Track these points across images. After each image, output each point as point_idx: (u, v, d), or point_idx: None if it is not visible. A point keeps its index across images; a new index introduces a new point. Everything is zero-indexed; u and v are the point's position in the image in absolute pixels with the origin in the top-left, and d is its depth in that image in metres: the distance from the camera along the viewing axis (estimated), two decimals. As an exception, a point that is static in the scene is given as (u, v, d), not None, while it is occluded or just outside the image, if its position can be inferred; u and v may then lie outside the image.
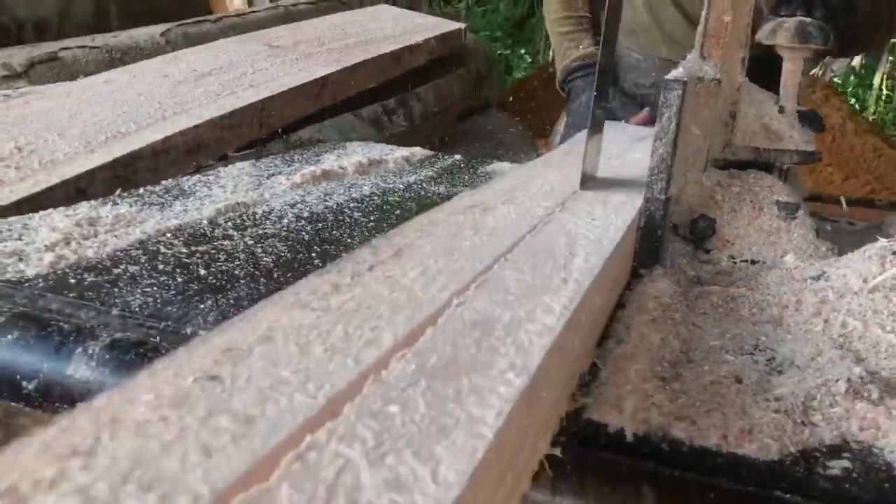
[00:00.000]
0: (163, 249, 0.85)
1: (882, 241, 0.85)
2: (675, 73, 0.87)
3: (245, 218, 0.99)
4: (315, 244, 0.91)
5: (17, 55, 1.80)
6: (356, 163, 1.34)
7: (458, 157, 1.50)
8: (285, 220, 0.99)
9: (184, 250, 0.85)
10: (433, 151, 1.56)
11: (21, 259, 0.78)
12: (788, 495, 0.53)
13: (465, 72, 2.42)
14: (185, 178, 1.18)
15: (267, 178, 1.23)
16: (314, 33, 2.10)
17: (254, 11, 2.54)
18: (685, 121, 0.93)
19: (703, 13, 1.00)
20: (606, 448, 0.56)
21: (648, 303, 0.78)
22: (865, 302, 0.79)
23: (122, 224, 0.92)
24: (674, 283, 0.83)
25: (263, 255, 0.86)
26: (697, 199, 1.00)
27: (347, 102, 1.88)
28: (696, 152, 1.00)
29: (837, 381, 0.65)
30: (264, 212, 1.02)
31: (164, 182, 1.15)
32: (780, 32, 1.01)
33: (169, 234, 0.90)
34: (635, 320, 0.75)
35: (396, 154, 1.49)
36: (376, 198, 1.15)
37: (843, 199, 1.68)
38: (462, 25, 2.60)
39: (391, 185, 1.24)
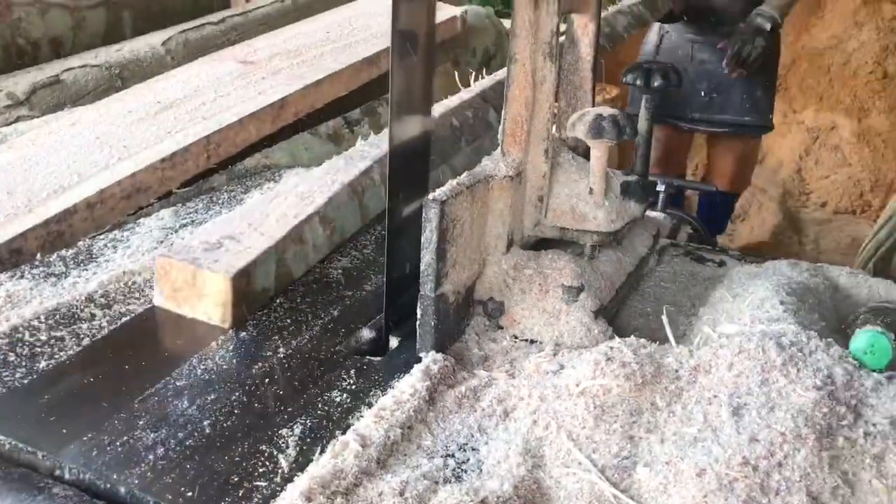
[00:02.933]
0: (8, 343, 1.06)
1: (605, 345, 0.96)
2: (435, 194, 0.98)
3: (108, 297, 1.19)
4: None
5: (21, 82, 2.03)
6: (268, 206, 1.50)
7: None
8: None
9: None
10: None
11: None
12: None
13: (453, 65, 2.50)
14: (102, 237, 1.38)
15: (178, 230, 1.42)
16: (294, 42, 2.24)
17: (258, 7, 2.68)
18: (473, 217, 1.05)
19: (503, 112, 1.10)
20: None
21: (387, 400, 0.93)
22: (571, 406, 0.91)
23: (7, 306, 1.13)
24: (426, 375, 0.97)
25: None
26: (496, 280, 1.12)
27: (311, 115, 2.03)
28: (496, 238, 1.12)
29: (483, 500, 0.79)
30: (129, 285, 1.21)
31: (80, 243, 1.35)
32: (579, 125, 1.09)
33: (36, 321, 1.10)
34: (361, 421, 0.90)
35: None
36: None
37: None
38: (458, 12, 2.67)
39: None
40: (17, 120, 1.94)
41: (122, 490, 0.82)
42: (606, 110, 1.10)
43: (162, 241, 1.36)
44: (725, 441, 0.82)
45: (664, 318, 1.08)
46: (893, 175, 4.66)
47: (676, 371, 0.93)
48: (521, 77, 1.08)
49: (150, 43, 2.36)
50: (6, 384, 0.97)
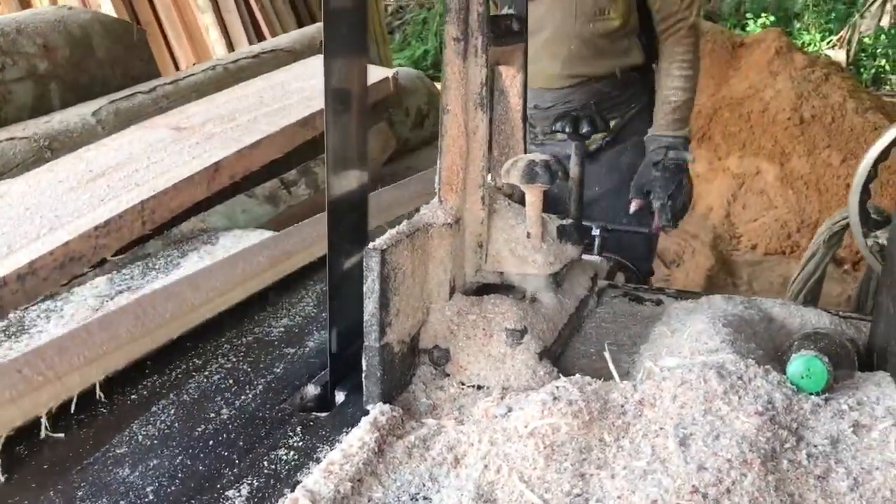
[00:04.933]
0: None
1: (551, 385, 0.96)
2: (375, 243, 0.99)
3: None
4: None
5: (-54, 157, 1.99)
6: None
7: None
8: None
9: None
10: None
11: None
12: None
13: (385, 126, 2.54)
14: (34, 308, 1.34)
15: (114, 297, 1.39)
16: (227, 108, 2.25)
17: (190, 75, 2.69)
18: (415, 265, 1.06)
19: (437, 163, 1.12)
20: None
21: (335, 455, 0.92)
22: (521, 448, 0.91)
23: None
24: (374, 427, 0.96)
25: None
26: (441, 327, 1.12)
27: (248, 178, 2.03)
28: (438, 285, 1.12)
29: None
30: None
31: (11, 315, 1.31)
32: (513, 171, 1.12)
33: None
34: (310, 477, 0.88)
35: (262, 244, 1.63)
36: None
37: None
38: (391, 73, 2.72)
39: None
40: (-58, 195, 1.89)
41: None
42: (539, 156, 1.13)
43: (97, 309, 1.33)
44: (674, 471, 0.83)
45: (607, 355, 1.09)
46: (817, 215, 4.83)
47: (622, 406, 0.94)
48: (455, 127, 1.10)
49: (79, 113, 2.34)
50: (-66, 463, 0.93)
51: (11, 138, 2.12)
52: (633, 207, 2.03)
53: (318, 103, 2.33)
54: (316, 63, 2.76)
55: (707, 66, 4.93)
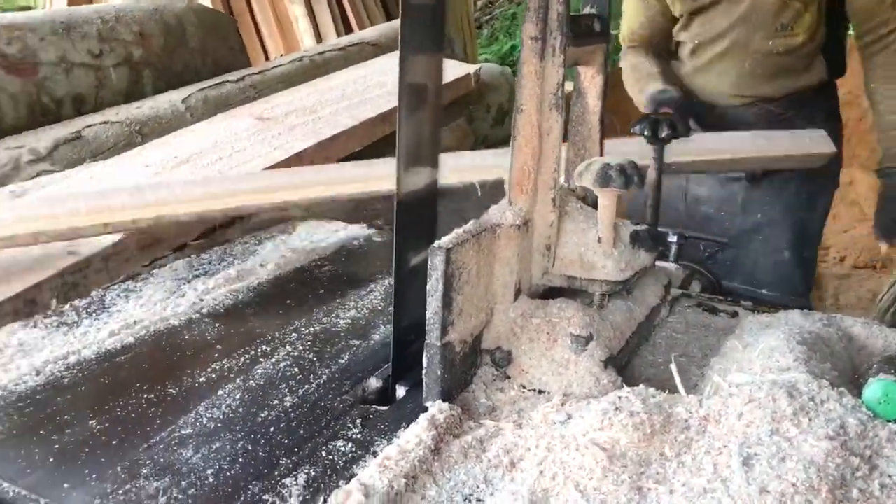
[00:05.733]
0: (34, 385, 1.06)
1: (613, 395, 0.94)
2: (441, 241, 0.99)
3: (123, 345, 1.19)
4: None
5: (44, 138, 2.08)
6: (280, 256, 1.52)
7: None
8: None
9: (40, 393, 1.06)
10: (376, 230, 1.72)
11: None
12: None
13: (464, 123, 2.54)
14: (115, 287, 1.39)
15: (190, 280, 1.43)
16: (310, 100, 2.29)
17: (278, 66, 2.74)
18: (480, 265, 1.05)
19: (509, 163, 1.11)
20: None
21: (392, 450, 0.92)
22: (578, 457, 0.89)
23: (19, 354, 1.14)
24: (432, 425, 0.96)
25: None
26: (504, 329, 1.11)
27: (327, 171, 2.06)
28: (503, 286, 1.11)
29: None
30: (146, 331, 1.22)
31: (94, 293, 1.36)
32: (586, 174, 1.10)
33: (51, 367, 1.11)
34: (365, 470, 0.89)
35: (337, 237, 1.65)
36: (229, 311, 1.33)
37: None
38: (473, 70, 2.72)
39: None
40: (39, 174, 1.98)
41: None
42: (614, 159, 1.11)
43: (174, 292, 1.37)
44: (735, 492, 0.80)
45: (673, 367, 1.06)
46: (913, 229, 4.61)
47: (686, 421, 0.92)
48: (528, 127, 1.09)
49: (170, 100, 2.42)
50: (13, 430, 0.97)
51: (106, 122, 2.21)
52: (883, 248, 1.97)
53: (399, 98, 2.34)
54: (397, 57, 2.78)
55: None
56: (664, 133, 1.23)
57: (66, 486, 0.88)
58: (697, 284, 1.60)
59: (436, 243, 0.98)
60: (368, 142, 2.16)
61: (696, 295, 1.46)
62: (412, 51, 1.02)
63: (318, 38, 4.25)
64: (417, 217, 1.12)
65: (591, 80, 1.24)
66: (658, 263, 1.39)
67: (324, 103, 2.23)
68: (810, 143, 1.80)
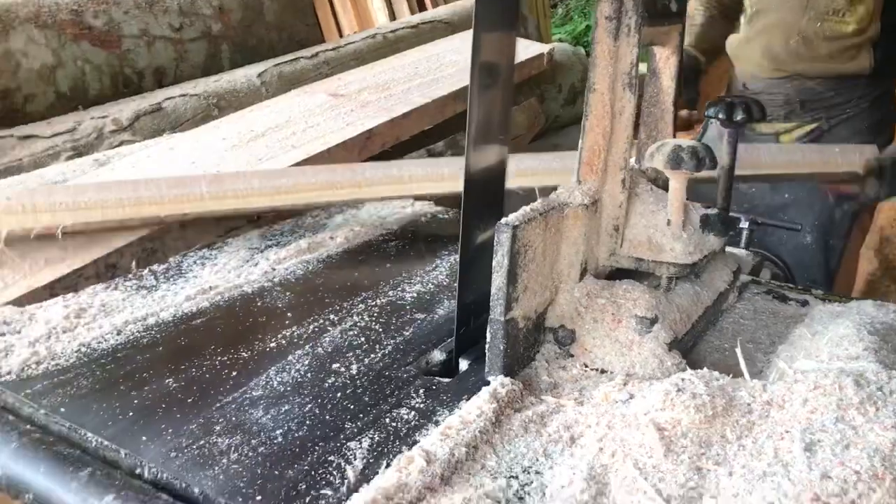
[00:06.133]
0: (115, 343, 1.12)
1: (676, 376, 0.95)
2: (508, 218, 1.00)
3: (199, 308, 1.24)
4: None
5: (126, 109, 2.16)
6: (349, 230, 1.55)
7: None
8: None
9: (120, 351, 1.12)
10: (443, 208, 1.74)
11: (7, 354, 1.07)
12: None
13: (535, 102, 2.53)
14: (191, 254, 1.44)
15: (263, 250, 1.47)
16: (383, 77, 2.31)
17: (350, 42, 2.78)
18: (546, 244, 1.06)
19: (580, 142, 1.11)
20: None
21: (454, 420, 0.94)
22: (638, 435, 0.90)
23: (102, 314, 1.20)
24: (493, 398, 0.98)
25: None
26: (568, 308, 1.12)
27: (397, 147, 2.08)
28: (569, 266, 1.12)
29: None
30: (220, 297, 1.27)
31: (171, 259, 1.42)
32: (657, 156, 1.09)
33: (130, 327, 1.16)
34: (427, 438, 0.91)
35: (404, 212, 1.68)
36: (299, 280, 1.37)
37: None
38: (546, 49, 2.70)
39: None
40: (121, 144, 2.06)
41: (196, 491, 0.85)
42: (686, 141, 1.10)
43: (248, 261, 1.41)
44: (796, 477, 0.80)
45: (738, 352, 1.06)
46: None
47: (749, 405, 0.92)
48: (599, 107, 1.09)
49: (246, 74, 2.47)
50: (95, 385, 1.03)
51: (184, 94, 2.27)
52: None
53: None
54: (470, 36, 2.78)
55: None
56: (739, 117, 1.21)
57: (143, 438, 0.92)
58: (767, 272, 1.58)
59: (503, 220, 0.99)
60: (439, 119, 2.18)
61: (767, 282, 1.44)
62: (486, 29, 1.03)
63: (392, 16, 4.27)
64: (485, 194, 1.13)
65: (665, 61, 1.23)
66: (728, 249, 1.37)
67: (397, 81, 2.25)
68: (859, 158, 1.76)
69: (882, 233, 4.49)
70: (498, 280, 1.00)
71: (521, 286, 1.03)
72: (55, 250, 1.42)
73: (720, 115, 1.24)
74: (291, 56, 2.60)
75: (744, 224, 1.61)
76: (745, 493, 0.81)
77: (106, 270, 1.42)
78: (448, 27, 3.04)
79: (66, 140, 2.00)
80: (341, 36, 3.09)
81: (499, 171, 1.15)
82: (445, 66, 2.39)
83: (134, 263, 1.41)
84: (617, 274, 1.18)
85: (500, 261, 1.00)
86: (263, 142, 1.85)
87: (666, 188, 1.17)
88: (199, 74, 2.56)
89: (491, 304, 1.02)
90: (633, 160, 1.15)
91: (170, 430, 0.94)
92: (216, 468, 0.88)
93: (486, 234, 1.13)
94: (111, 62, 2.34)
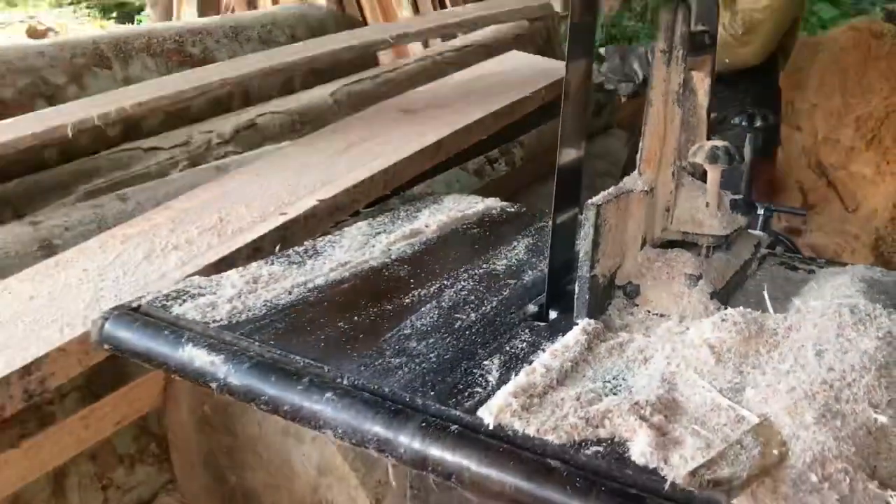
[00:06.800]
0: (291, 300, 1.48)
1: (720, 313, 1.30)
2: (593, 199, 1.35)
3: (341, 274, 1.60)
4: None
5: (226, 125, 2.53)
6: (439, 220, 1.91)
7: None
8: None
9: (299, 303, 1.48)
10: (508, 203, 2.10)
11: (213, 308, 1.43)
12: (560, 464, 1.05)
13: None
14: (320, 238, 1.80)
15: (375, 235, 1.83)
16: (444, 95, 2.68)
17: (406, 65, 3.15)
18: (617, 220, 1.42)
19: (641, 143, 1.47)
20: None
21: (557, 346, 1.30)
22: (695, 352, 1.25)
23: (272, 280, 1.55)
24: (584, 332, 1.33)
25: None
26: (633, 269, 1.47)
27: (460, 155, 2.45)
28: (633, 238, 1.48)
29: (636, 402, 1.14)
30: (355, 269, 1.62)
31: (305, 242, 1.78)
32: (699, 153, 1.45)
33: (297, 290, 1.52)
34: (542, 356, 1.26)
35: (478, 207, 2.04)
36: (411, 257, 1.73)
37: None
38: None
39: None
40: (226, 155, 2.42)
41: (386, 390, 1.20)
42: (720, 143, 1.46)
43: (366, 243, 1.77)
44: (810, 371, 1.16)
45: (765, 294, 1.41)
46: None
47: (774, 329, 1.27)
48: (656, 117, 1.45)
49: (320, 94, 2.84)
50: (288, 328, 1.38)
51: (273, 112, 2.64)
52: None
53: (517, 93, 2.72)
54: (511, 57, 3.16)
55: (884, 68, 4.96)
56: (758, 123, 1.57)
57: (336, 359, 1.28)
58: (780, 248, 1.94)
59: (589, 201, 1.35)
60: (493, 131, 2.54)
61: (781, 254, 1.80)
62: (575, 57, 1.38)
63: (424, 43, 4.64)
64: (567, 185, 1.49)
65: (701, 82, 1.59)
66: (749, 231, 1.73)
67: (456, 97, 2.61)
68: None
69: (877, 233, 4.85)
70: (585, 245, 1.36)
71: (601, 251, 1.38)
72: (213, 237, 1.77)
73: (743, 123, 1.60)
74: (356, 77, 2.97)
75: (760, 211, 1.98)
76: (774, 382, 1.16)
77: (253, 253, 1.77)
78: (486, 50, 3.41)
79: (182, 151, 2.36)
80: (377, 62, 3.45)
81: (578, 167, 1.50)
82: (497, 86, 2.76)
83: (277, 248, 1.76)
84: (668, 244, 1.54)
85: (587, 231, 1.35)
86: (356, 151, 2.22)
87: (703, 179, 1.53)
88: (275, 95, 2.93)
89: (579, 264, 1.37)
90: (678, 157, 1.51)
91: (354, 355, 1.30)
92: (396, 376, 1.23)
93: (568, 214, 1.48)
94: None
